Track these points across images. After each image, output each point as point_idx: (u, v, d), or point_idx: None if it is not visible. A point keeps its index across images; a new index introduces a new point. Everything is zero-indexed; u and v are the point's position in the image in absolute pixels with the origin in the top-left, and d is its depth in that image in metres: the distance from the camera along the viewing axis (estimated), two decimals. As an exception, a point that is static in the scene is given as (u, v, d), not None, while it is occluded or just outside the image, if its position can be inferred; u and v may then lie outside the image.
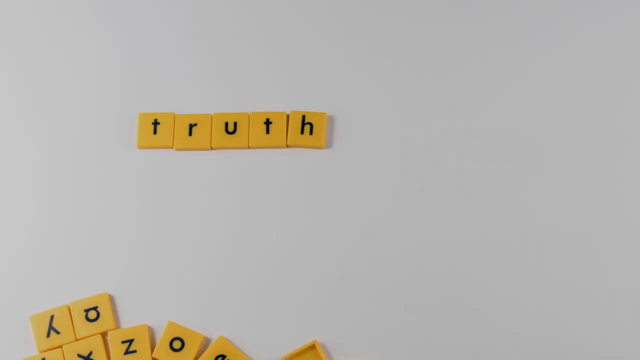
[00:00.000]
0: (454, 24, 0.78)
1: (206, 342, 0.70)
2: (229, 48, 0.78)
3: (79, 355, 0.68)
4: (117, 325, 0.70)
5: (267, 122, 0.75)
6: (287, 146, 0.75)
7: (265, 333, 0.70)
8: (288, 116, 0.75)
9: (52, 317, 0.69)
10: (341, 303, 0.71)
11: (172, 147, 0.75)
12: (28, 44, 0.78)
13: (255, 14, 0.79)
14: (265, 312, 0.71)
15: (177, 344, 0.68)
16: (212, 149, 0.75)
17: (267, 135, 0.75)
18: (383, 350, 0.69)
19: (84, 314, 0.70)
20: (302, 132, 0.75)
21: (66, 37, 0.78)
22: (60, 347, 0.69)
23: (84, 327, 0.70)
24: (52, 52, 0.78)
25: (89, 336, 0.69)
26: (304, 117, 0.75)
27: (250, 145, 0.75)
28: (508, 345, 0.69)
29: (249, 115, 0.75)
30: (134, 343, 0.68)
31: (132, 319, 0.71)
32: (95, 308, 0.70)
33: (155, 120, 0.75)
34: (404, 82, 0.76)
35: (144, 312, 0.71)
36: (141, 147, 0.75)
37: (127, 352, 0.68)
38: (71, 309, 0.70)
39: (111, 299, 0.71)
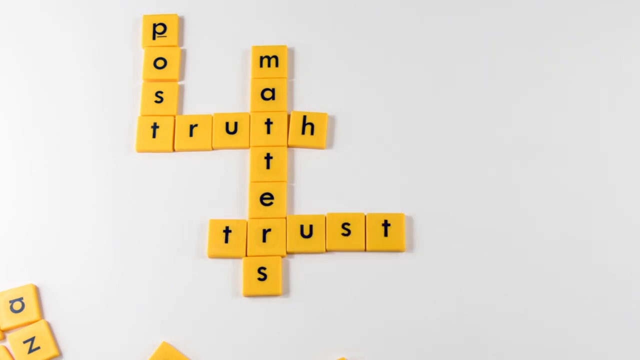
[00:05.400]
0: (457, 25, 0.78)
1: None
2: (229, 48, 0.78)
3: None
4: (42, 317, 0.69)
5: (268, 122, 0.75)
6: (288, 146, 0.75)
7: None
8: (289, 116, 0.75)
9: None
10: (342, 306, 0.70)
11: (171, 151, 0.75)
12: (27, 45, 0.78)
13: (256, 14, 0.79)
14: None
15: None
16: (212, 149, 0.75)
17: (268, 135, 0.75)
18: None
19: (9, 304, 0.69)
20: (303, 133, 0.75)
21: (65, 39, 0.78)
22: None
23: (8, 319, 0.69)
24: (52, 55, 0.78)
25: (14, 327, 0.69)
26: (305, 117, 0.75)
27: (251, 145, 0.75)
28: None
29: (249, 115, 0.75)
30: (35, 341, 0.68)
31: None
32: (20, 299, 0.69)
33: (155, 123, 0.75)
34: (405, 83, 0.76)
35: (145, 308, 0.71)
36: (140, 151, 0.75)
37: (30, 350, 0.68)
38: None
39: (37, 290, 0.70)
